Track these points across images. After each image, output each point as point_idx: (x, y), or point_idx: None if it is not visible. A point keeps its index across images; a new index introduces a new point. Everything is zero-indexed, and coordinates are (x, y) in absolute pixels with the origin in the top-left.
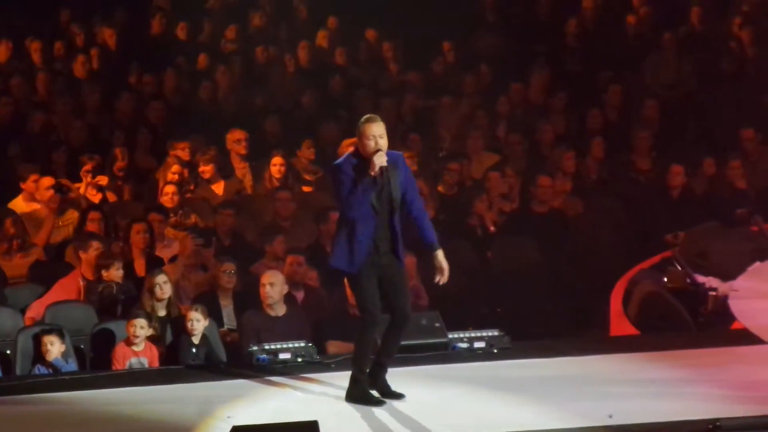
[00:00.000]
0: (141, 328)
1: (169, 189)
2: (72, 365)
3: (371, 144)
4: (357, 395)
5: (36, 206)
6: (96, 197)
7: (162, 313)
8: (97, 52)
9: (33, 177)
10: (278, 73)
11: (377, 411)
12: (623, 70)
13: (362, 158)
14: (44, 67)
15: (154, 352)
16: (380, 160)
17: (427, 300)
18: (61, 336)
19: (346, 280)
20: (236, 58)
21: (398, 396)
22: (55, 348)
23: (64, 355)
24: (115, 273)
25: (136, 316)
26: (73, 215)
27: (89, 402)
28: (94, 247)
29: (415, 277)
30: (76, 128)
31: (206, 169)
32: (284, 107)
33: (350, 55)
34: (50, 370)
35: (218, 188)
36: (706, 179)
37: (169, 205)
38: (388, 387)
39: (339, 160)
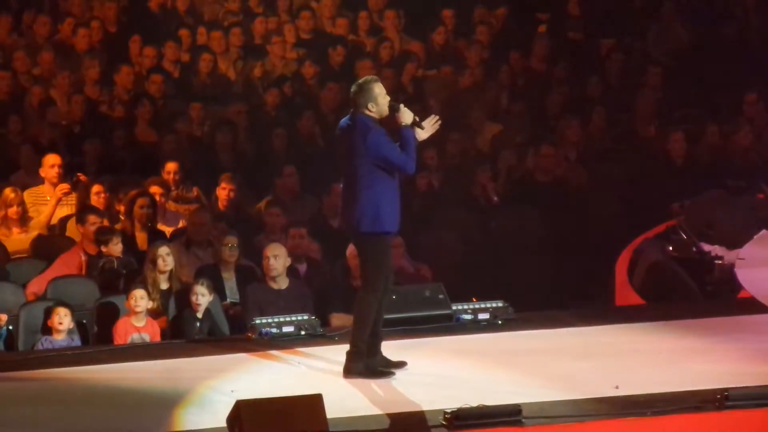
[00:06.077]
0: (141, 299)
1: (171, 167)
2: (76, 340)
3: (386, 101)
4: (360, 369)
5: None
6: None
7: (164, 286)
8: (98, 25)
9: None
10: (278, 44)
11: (381, 383)
12: (625, 38)
13: (376, 119)
14: (44, 41)
15: (156, 328)
16: (405, 108)
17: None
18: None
19: (363, 245)
20: (236, 29)
21: (400, 364)
22: (67, 320)
23: (69, 330)
24: (115, 248)
25: (136, 288)
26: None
27: (91, 377)
28: (91, 221)
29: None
30: (75, 102)
31: None
32: (284, 79)
33: (351, 25)
34: (56, 342)
35: None
36: (709, 147)
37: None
38: (386, 358)
39: (369, 125)
